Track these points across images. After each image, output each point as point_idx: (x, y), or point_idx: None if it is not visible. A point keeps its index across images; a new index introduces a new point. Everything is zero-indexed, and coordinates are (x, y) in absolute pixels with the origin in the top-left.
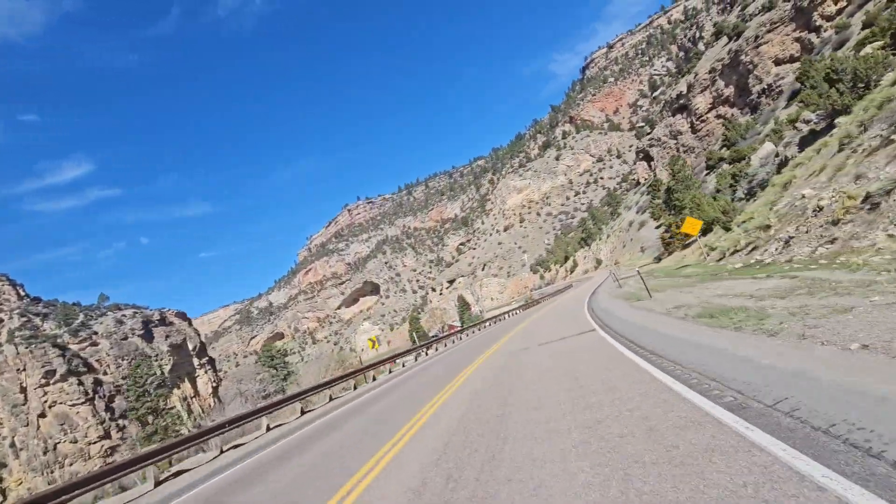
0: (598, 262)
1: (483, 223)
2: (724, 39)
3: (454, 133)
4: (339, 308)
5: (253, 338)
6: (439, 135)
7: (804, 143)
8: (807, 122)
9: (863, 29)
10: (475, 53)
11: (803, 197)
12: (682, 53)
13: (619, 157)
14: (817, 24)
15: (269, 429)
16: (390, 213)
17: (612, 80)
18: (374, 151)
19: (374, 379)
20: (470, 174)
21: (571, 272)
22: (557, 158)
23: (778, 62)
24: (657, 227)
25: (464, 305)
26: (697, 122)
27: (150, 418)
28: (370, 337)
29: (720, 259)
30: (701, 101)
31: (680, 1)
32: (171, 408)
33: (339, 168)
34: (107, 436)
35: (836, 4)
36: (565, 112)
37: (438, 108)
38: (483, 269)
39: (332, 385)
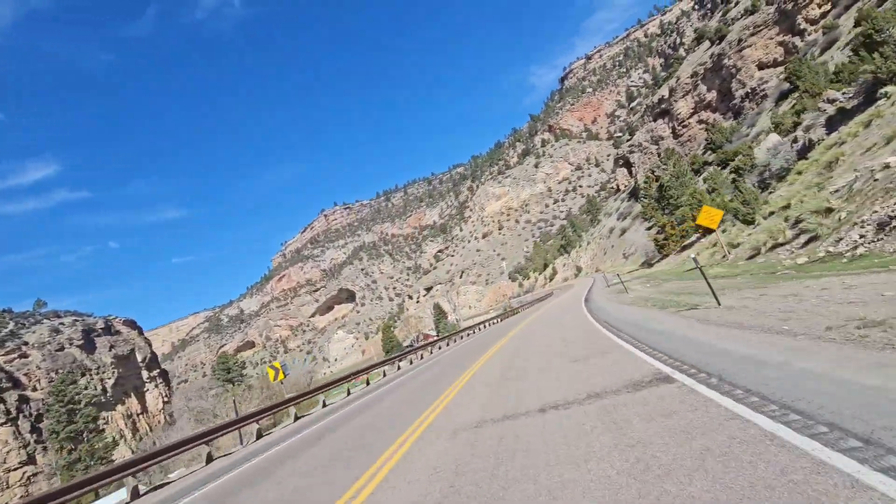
0: (579, 269)
1: (461, 230)
2: (707, 44)
3: (433, 140)
4: (312, 316)
5: (222, 346)
6: (418, 141)
7: (833, 123)
8: (831, 101)
9: (855, 27)
10: (455, 64)
11: (887, 167)
12: (661, 60)
13: (597, 165)
14: (801, 27)
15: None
16: (368, 219)
17: (590, 90)
18: (352, 157)
19: (259, 436)
20: (449, 181)
21: (551, 280)
22: (536, 166)
23: (762, 66)
24: (648, 229)
25: (440, 314)
26: (679, 127)
27: (84, 437)
28: (273, 363)
29: (753, 256)
30: (683, 106)
31: (657, 15)
32: (102, 430)
33: (317, 173)
34: (31, 461)
35: (819, 8)
36: (544, 121)
37: (418, 115)
38: (461, 277)
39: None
